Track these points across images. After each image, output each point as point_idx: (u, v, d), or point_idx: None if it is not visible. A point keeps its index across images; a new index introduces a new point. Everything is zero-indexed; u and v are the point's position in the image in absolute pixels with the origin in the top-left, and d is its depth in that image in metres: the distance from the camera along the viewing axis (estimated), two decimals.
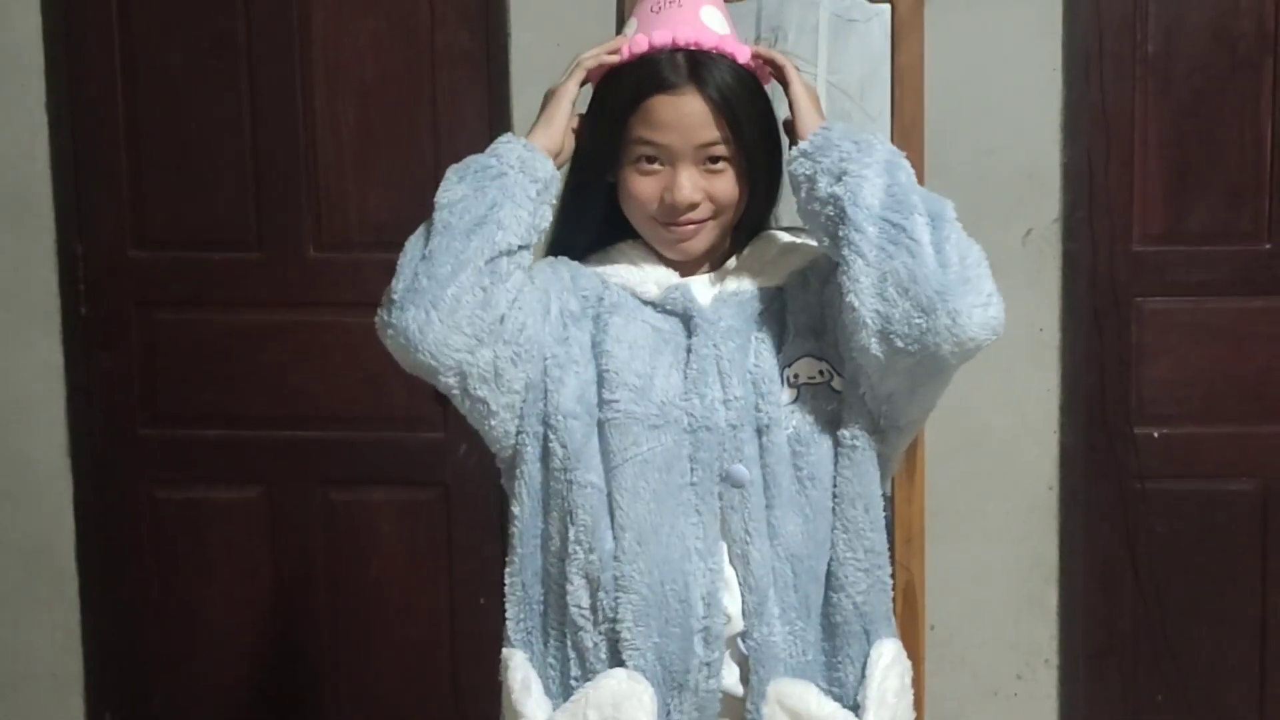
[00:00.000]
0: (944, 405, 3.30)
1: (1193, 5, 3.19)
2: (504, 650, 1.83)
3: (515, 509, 1.81)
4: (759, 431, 1.78)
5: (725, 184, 1.80)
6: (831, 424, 1.80)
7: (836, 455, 1.80)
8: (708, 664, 1.74)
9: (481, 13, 3.27)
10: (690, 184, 1.78)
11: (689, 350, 1.81)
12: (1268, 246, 3.24)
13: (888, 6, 3.06)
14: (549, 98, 1.83)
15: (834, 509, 1.80)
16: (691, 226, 1.82)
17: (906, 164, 1.77)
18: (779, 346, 1.82)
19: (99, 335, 3.41)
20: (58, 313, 3.42)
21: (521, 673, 1.81)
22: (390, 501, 3.41)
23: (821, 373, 1.81)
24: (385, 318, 1.79)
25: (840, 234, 1.72)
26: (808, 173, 1.77)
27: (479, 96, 3.29)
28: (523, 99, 3.26)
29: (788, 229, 1.95)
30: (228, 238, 3.37)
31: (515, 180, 1.76)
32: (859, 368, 1.76)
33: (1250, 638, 3.32)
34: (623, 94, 1.80)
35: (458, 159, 3.41)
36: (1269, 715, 3.33)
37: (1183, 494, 3.30)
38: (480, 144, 3.38)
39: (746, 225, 1.89)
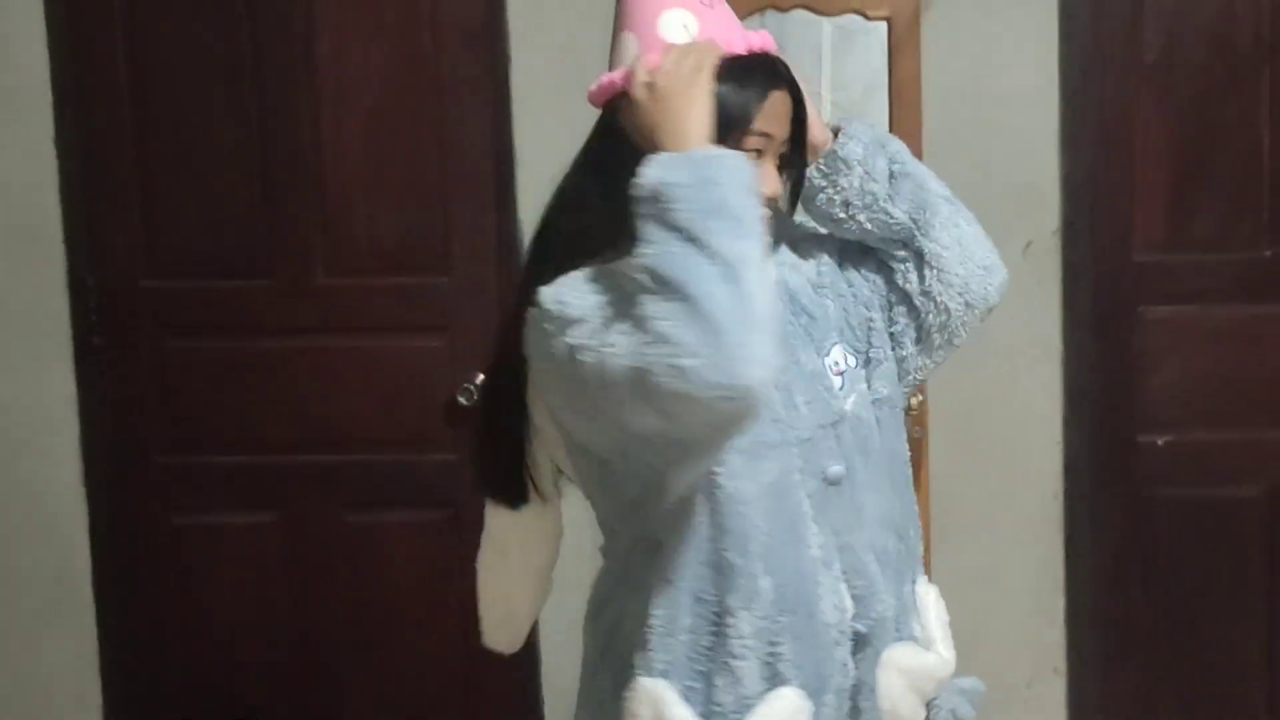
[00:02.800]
0: (949, 414, 3.25)
1: (1190, 14, 3.13)
2: (643, 680, 1.73)
3: (670, 544, 1.73)
4: (832, 426, 1.80)
5: (780, 180, 1.82)
6: (871, 398, 1.86)
7: (879, 423, 1.85)
8: (844, 664, 1.77)
9: (483, 38, 3.23)
10: (774, 177, 1.78)
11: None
12: (1268, 253, 3.18)
13: (885, 23, 3.03)
14: (675, 100, 1.65)
15: (889, 472, 1.87)
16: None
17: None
18: (813, 341, 1.84)
19: (112, 364, 3.36)
20: (70, 342, 3.36)
21: (673, 703, 1.71)
22: (403, 523, 3.36)
23: (851, 356, 1.86)
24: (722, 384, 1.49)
25: (918, 218, 1.88)
26: (858, 156, 1.86)
27: (483, 118, 3.25)
28: (524, 120, 3.23)
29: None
30: (239, 265, 3.32)
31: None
32: (901, 338, 1.91)
33: (1260, 642, 3.27)
34: (752, 88, 1.72)
35: (463, 180, 3.37)
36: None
37: (1189, 500, 3.25)
38: (484, 165, 3.34)
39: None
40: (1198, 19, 3.12)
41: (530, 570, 2.02)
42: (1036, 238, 3.17)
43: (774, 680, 1.71)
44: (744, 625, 1.70)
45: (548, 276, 1.69)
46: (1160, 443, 3.21)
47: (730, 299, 1.49)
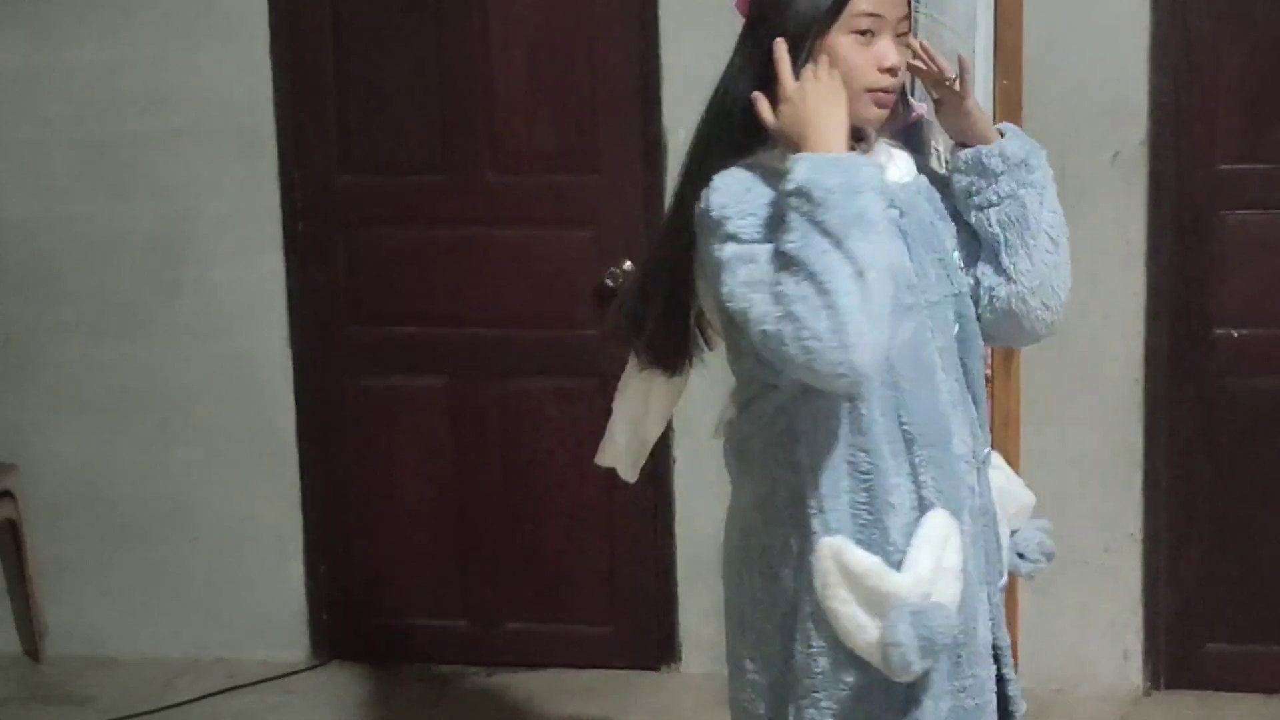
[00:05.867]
0: None
1: None
2: (824, 540, 1.82)
3: (812, 413, 1.85)
4: (955, 297, 1.94)
5: (906, 54, 1.89)
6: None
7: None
8: (971, 487, 1.91)
9: None
10: (896, 50, 1.85)
11: (904, 234, 1.90)
12: None
13: None
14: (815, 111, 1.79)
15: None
16: (890, 95, 1.87)
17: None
18: (944, 223, 1.97)
19: (312, 249, 3.62)
20: (280, 230, 3.62)
21: (851, 550, 1.80)
22: (554, 389, 3.57)
23: (958, 250, 1.99)
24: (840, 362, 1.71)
25: (1012, 237, 1.95)
26: (997, 170, 1.93)
27: (632, 38, 3.42)
28: (669, 38, 3.40)
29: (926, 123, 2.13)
30: (418, 164, 3.55)
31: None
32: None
33: None
34: None
35: (611, 96, 3.49)
36: None
37: (1259, 390, 3.34)
38: (630, 82, 3.44)
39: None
40: None
41: (665, 414, 2.20)
42: (1124, 147, 3.28)
43: (923, 508, 1.84)
44: (891, 471, 1.83)
45: (710, 162, 1.86)
46: (1235, 335, 3.29)
47: (858, 295, 1.68)
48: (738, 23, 1.99)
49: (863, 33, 1.82)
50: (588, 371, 3.50)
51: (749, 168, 1.84)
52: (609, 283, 3.45)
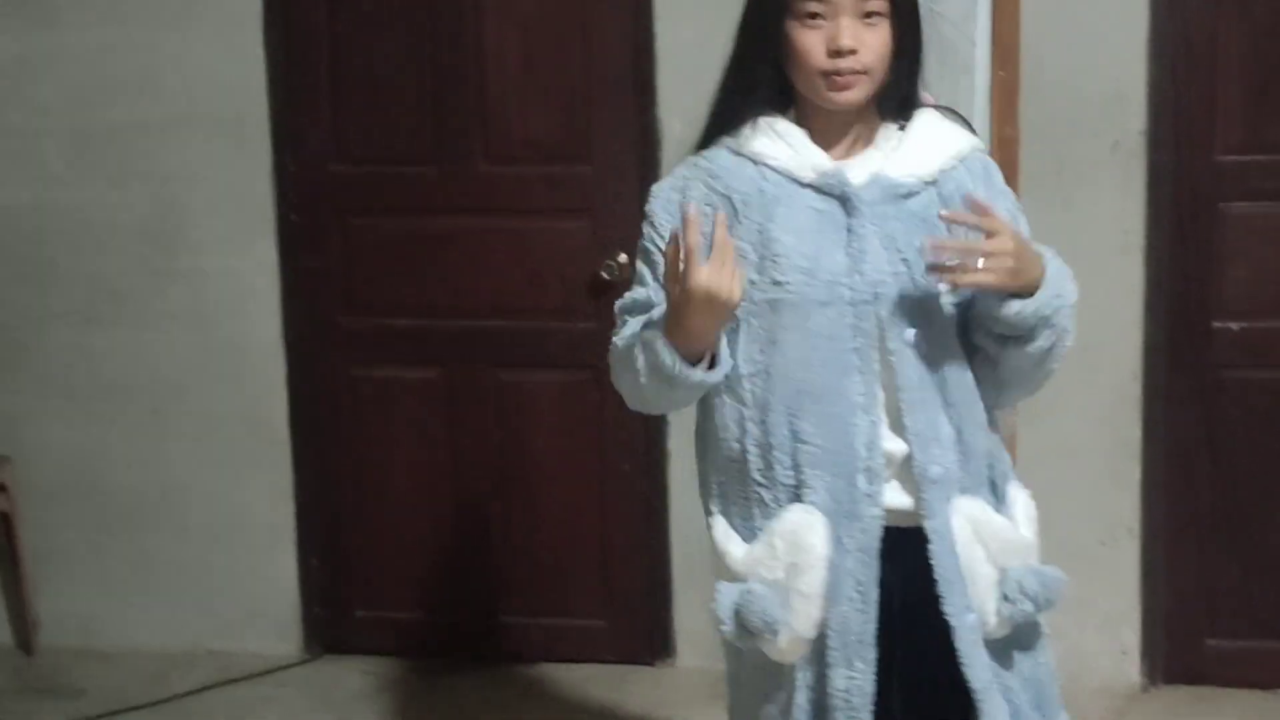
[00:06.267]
0: None
1: None
2: (708, 519, 2.02)
3: (712, 410, 1.98)
4: (920, 300, 1.90)
5: (879, 37, 1.86)
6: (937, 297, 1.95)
7: (936, 320, 1.95)
8: (869, 495, 1.89)
9: None
10: (851, 32, 1.84)
11: (849, 230, 1.89)
12: None
13: None
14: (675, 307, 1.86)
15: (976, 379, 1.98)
16: (850, 77, 1.86)
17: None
18: (896, 224, 1.91)
19: (306, 238, 3.61)
20: (273, 219, 3.60)
21: (721, 528, 1.98)
22: (549, 382, 3.56)
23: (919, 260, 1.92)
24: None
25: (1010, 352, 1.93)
26: (1030, 324, 1.87)
27: (626, 27, 3.39)
28: (665, 29, 3.37)
29: (940, 108, 2.03)
30: (411, 154, 3.53)
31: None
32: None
33: None
34: None
35: (606, 84, 3.48)
36: None
37: (1257, 383, 3.31)
38: (625, 71, 3.42)
39: (894, 97, 1.94)
40: None
41: None
42: (1123, 138, 3.25)
43: (796, 500, 1.91)
44: (764, 465, 1.91)
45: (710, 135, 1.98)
46: (1234, 329, 3.27)
47: (637, 403, 1.99)
48: (733, 11, 1.98)
49: (812, 16, 1.85)
50: (582, 363, 3.48)
51: (708, 163, 1.96)
52: (604, 274, 3.42)
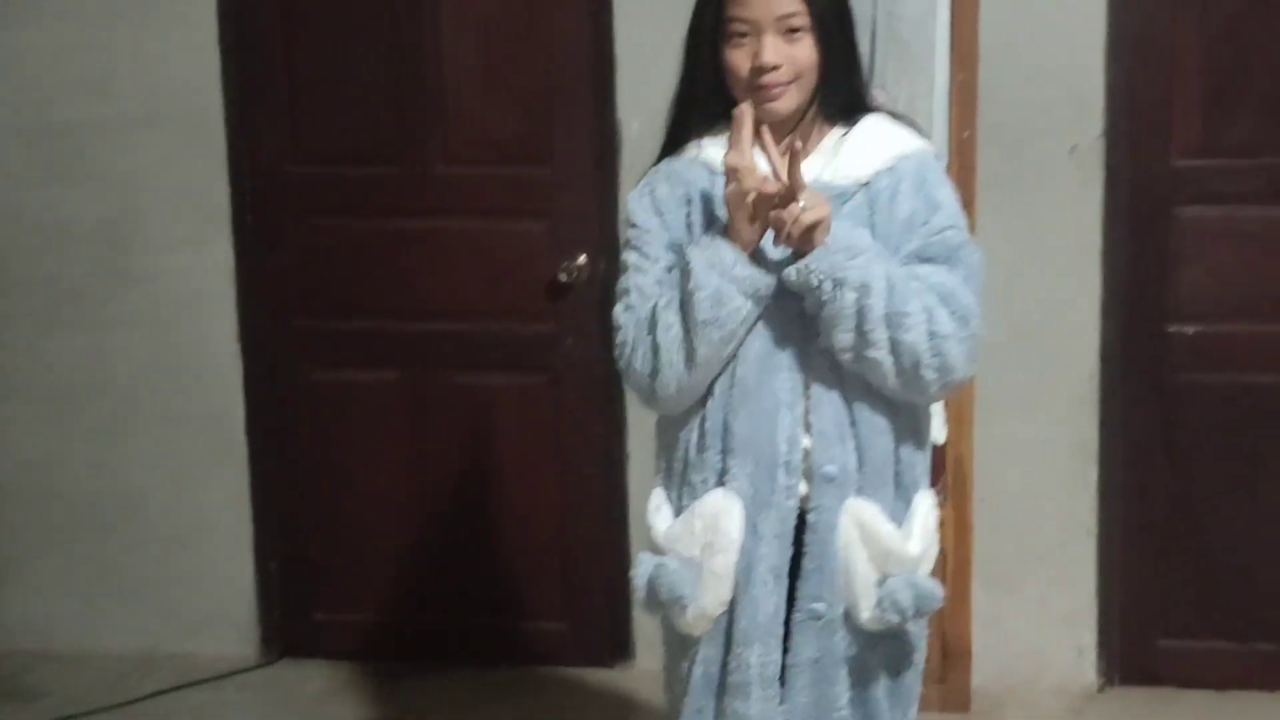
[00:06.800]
0: (996, 301, 3.32)
1: None
2: (655, 489, 2.16)
3: None
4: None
5: (803, 49, 1.99)
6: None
7: None
8: (786, 488, 2.01)
9: None
10: (772, 49, 1.98)
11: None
12: None
13: None
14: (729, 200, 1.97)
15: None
16: (778, 89, 1.99)
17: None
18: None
19: (263, 239, 3.58)
20: (229, 220, 3.57)
21: (656, 500, 2.14)
22: (508, 385, 3.54)
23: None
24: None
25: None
26: (804, 286, 1.96)
27: (585, 29, 3.38)
28: (624, 31, 3.36)
29: (890, 112, 2.13)
30: (369, 155, 3.51)
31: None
32: None
33: (1273, 518, 3.35)
34: None
35: (565, 86, 3.46)
36: None
37: (1213, 386, 3.33)
38: (584, 73, 3.41)
39: (837, 101, 2.04)
40: None
41: None
42: (1081, 141, 3.26)
43: (720, 485, 2.04)
44: (697, 450, 2.04)
45: (667, 150, 2.11)
46: (1190, 332, 3.29)
47: (682, 372, 2.00)
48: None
49: (739, 35, 1.99)
50: (542, 366, 3.49)
51: (673, 168, 2.09)
52: (563, 276, 3.41)
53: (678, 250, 2.04)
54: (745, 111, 1.94)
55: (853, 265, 1.92)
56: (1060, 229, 3.28)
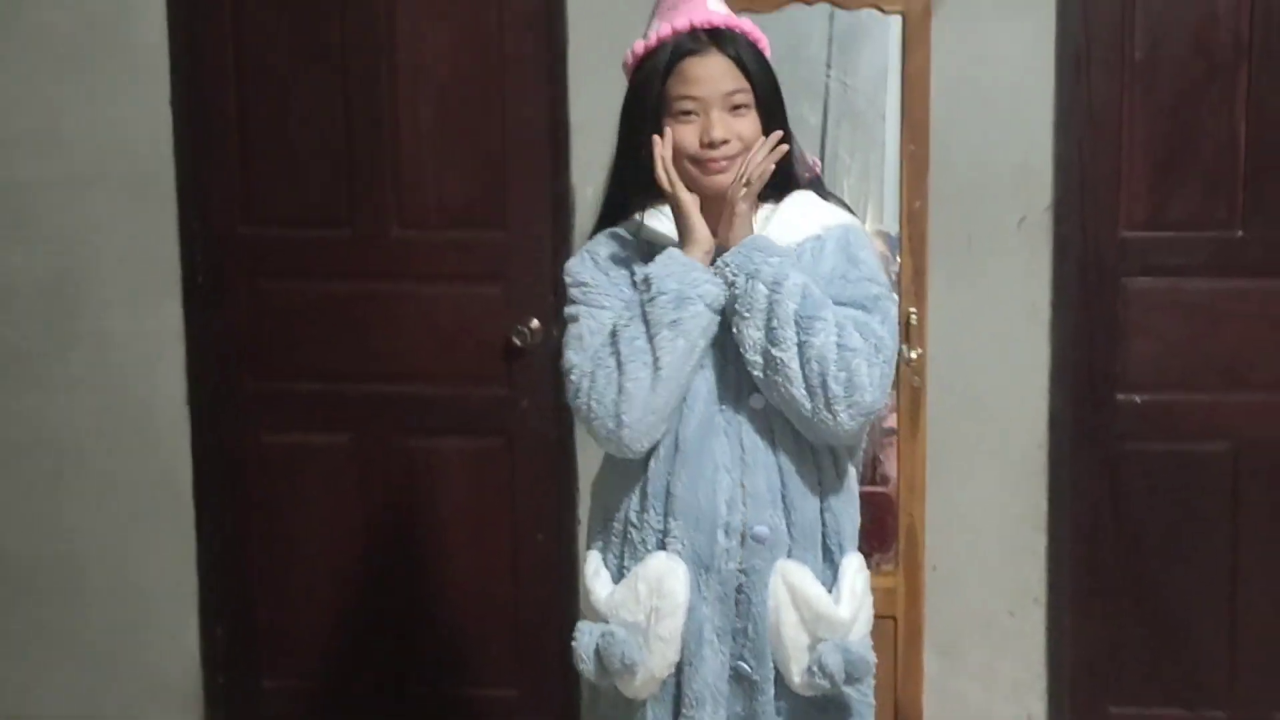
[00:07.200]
0: (945, 367, 3.38)
1: (1176, 16, 3.24)
2: (585, 553, 2.19)
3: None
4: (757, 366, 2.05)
5: (748, 125, 2.07)
6: None
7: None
8: (727, 550, 2.05)
9: (544, 22, 3.37)
10: (721, 124, 2.05)
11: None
12: (1240, 234, 3.29)
13: (899, 16, 3.12)
14: (677, 200, 2.06)
15: (810, 446, 2.09)
16: (724, 162, 2.06)
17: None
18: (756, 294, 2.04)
19: (213, 300, 3.54)
20: (179, 280, 3.54)
21: (594, 564, 2.15)
22: (460, 449, 3.52)
23: None
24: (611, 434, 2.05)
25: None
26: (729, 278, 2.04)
27: (541, 94, 3.39)
28: (579, 98, 3.37)
29: (824, 191, 2.22)
30: (323, 217, 3.49)
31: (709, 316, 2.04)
32: None
33: (1220, 585, 3.37)
34: (660, 65, 2.07)
35: (520, 151, 3.47)
36: (1239, 657, 3.38)
37: (1161, 455, 3.35)
38: (540, 138, 3.43)
39: (774, 175, 2.08)
40: (1182, 21, 3.21)
41: None
42: (1030, 213, 3.30)
43: (662, 549, 2.07)
44: (634, 505, 2.08)
45: (603, 223, 2.18)
46: (1138, 401, 3.32)
47: (647, 385, 2.00)
48: None
49: (686, 112, 2.05)
50: (495, 430, 3.47)
51: (613, 237, 2.15)
52: (516, 340, 3.41)
53: (626, 302, 2.06)
54: (658, 140, 2.03)
55: (767, 262, 2.00)
56: (1010, 298, 3.31)
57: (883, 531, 3.24)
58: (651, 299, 1.99)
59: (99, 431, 3.60)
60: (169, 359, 3.55)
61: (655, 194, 2.09)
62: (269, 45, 3.45)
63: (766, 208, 2.12)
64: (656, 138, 2.04)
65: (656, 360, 1.98)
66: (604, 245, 2.14)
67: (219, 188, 3.50)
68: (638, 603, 2.05)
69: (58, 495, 3.63)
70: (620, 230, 2.15)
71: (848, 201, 2.27)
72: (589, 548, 2.18)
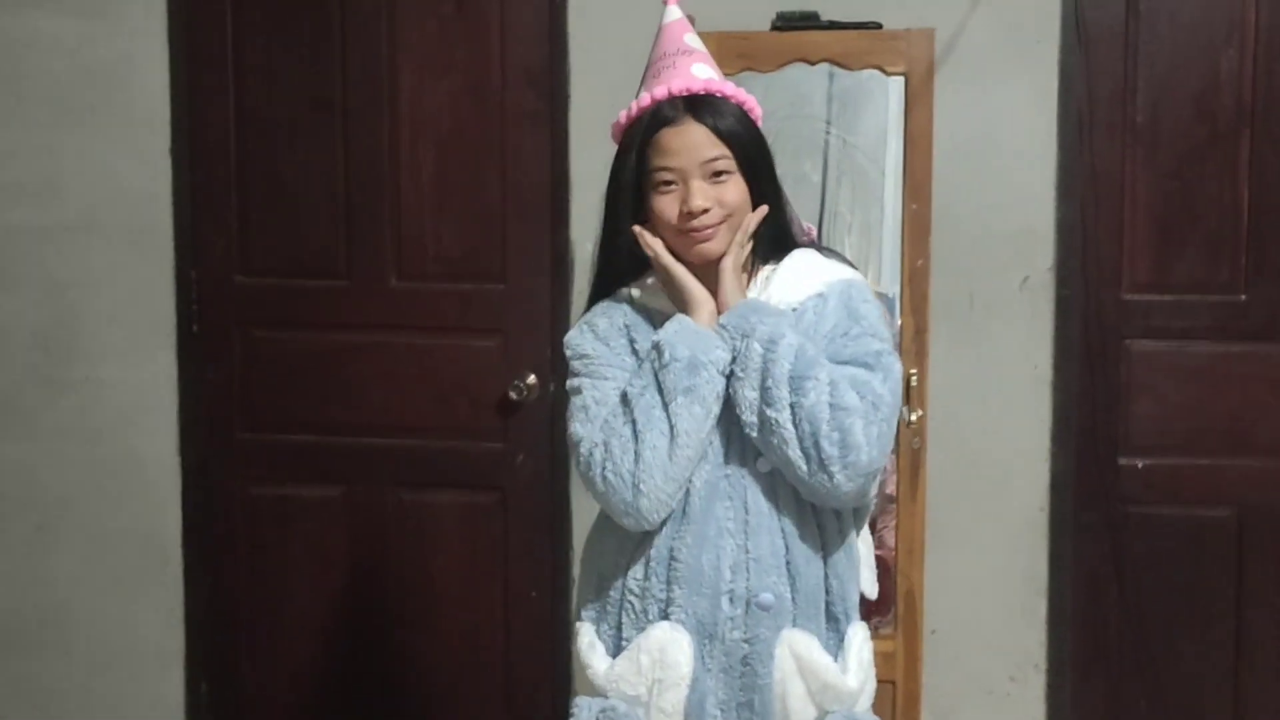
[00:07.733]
0: (946, 429, 3.35)
1: (1178, 80, 3.25)
2: (575, 624, 2.12)
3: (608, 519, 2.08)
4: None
5: (731, 191, 2.03)
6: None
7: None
8: (731, 619, 1.99)
9: (545, 76, 3.37)
10: (701, 193, 2.00)
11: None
12: (1243, 297, 3.28)
13: (902, 78, 3.11)
14: (672, 276, 2.04)
15: (813, 509, 2.05)
16: (708, 230, 2.02)
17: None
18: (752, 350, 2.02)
19: (207, 351, 3.52)
20: (173, 330, 3.52)
21: (587, 637, 2.07)
22: (454, 503, 3.48)
23: None
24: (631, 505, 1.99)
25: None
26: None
27: (542, 149, 3.39)
28: (579, 151, 3.37)
29: (823, 249, 2.18)
30: (320, 268, 3.47)
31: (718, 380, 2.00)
32: None
33: (1225, 651, 3.33)
34: (636, 137, 2.04)
35: (520, 204, 3.47)
36: None
37: (1163, 519, 3.33)
38: (540, 191, 3.42)
39: (766, 238, 2.08)
40: (1184, 85, 3.22)
41: None
42: (1033, 274, 3.29)
43: (664, 618, 2.00)
44: (639, 573, 2.01)
45: (597, 294, 2.14)
46: (1140, 465, 3.30)
47: (665, 453, 1.96)
48: None
49: (666, 183, 2.02)
50: (489, 485, 3.44)
51: (610, 307, 2.11)
52: (513, 395, 3.38)
53: (628, 371, 2.04)
54: (641, 231, 2.02)
55: (763, 322, 1.98)
56: (1011, 359, 3.29)
57: (881, 595, 3.19)
58: (664, 366, 1.96)
59: (87, 481, 3.56)
60: (161, 409, 3.52)
61: (646, 262, 2.07)
62: (269, 96, 3.45)
63: (767, 269, 2.11)
64: (638, 229, 2.03)
65: (673, 428, 1.95)
66: (601, 316, 2.11)
67: (216, 237, 3.48)
68: (639, 675, 1.99)
69: (43, 547, 3.58)
70: (616, 300, 2.12)
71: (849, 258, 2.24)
72: (579, 618, 2.12)
